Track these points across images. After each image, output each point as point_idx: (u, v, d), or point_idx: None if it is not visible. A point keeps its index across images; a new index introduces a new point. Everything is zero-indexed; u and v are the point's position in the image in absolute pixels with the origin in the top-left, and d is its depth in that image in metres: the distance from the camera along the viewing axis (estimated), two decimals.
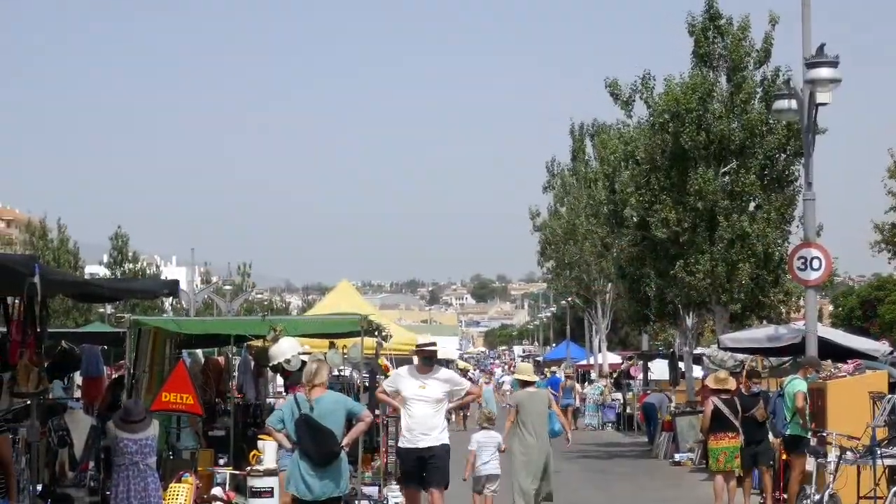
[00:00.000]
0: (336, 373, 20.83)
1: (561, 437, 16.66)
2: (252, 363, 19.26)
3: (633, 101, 29.19)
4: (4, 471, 10.32)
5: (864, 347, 22.05)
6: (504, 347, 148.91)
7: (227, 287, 76.91)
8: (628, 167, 29.94)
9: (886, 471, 14.70)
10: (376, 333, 18.31)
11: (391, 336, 21.04)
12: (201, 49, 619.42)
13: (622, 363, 48.46)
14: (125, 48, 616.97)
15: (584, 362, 59.51)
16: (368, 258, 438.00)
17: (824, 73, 19.04)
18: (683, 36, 28.54)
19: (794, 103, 20.53)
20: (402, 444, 13.18)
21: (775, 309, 30.23)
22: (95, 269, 67.74)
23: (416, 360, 17.96)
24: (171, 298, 54.31)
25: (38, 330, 11.85)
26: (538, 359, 77.71)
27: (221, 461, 16.62)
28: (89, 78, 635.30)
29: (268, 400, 20.33)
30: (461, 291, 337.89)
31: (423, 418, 12.94)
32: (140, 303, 48.91)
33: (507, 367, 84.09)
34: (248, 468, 15.60)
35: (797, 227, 26.89)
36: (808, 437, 16.36)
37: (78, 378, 23.51)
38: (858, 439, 14.53)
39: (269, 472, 14.87)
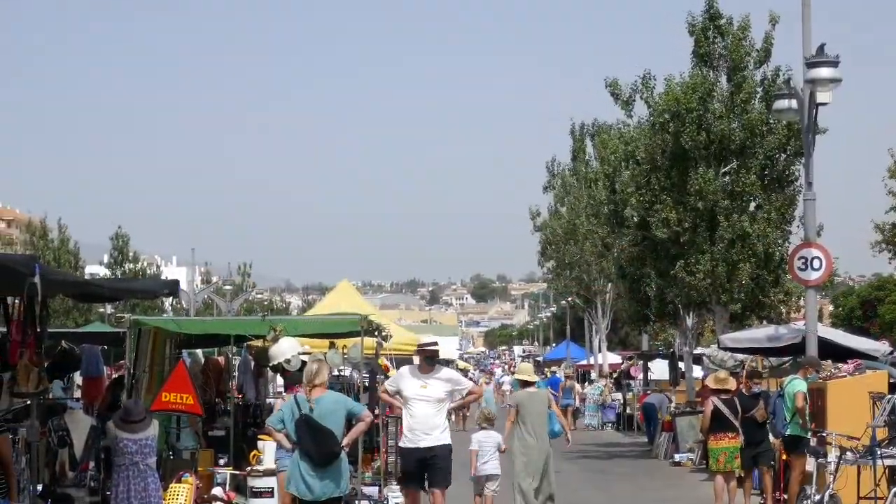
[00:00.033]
0: (336, 373, 20.83)
1: (561, 438, 16.66)
2: (252, 363, 19.26)
3: (634, 100, 29.22)
4: (5, 471, 10.33)
5: (864, 347, 22.05)
6: (504, 347, 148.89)
7: (228, 287, 76.94)
8: (629, 167, 29.94)
9: (886, 471, 14.69)
10: (376, 333, 18.32)
11: (391, 336, 21.05)
12: (201, 49, 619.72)
13: (622, 363, 48.46)
14: (125, 48, 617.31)
15: (584, 362, 59.52)
16: (369, 258, 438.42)
17: (824, 72, 19.05)
18: (684, 36, 28.59)
19: (794, 103, 20.53)
20: (404, 443, 13.17)
21: (775, 309, 30.24)
22: (96, 269, 67.79)
23: (416, 360, 18.00)
24: (171, 298, 54.33)
25: (39, 330, 11.85)
26: (538, 359, 77.71)
27: (221, 461, 16.63)
28: (89, 78, 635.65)
29: (268, 400, 20.34)
30: (461, 291, 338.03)
31: (424, 418, 12.93)
32: (140, 303, 48.94)
33: (507, 367, 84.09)
34: (249, 468, 15.61)
35: (797, 227, 26.92)
36: (808, 437, 16.36)
37: (78, 378, 23.52)
38: (858, 439, 14.52)
39: (269, 473, 14.88)
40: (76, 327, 38.09)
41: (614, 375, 47.89)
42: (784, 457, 17.44)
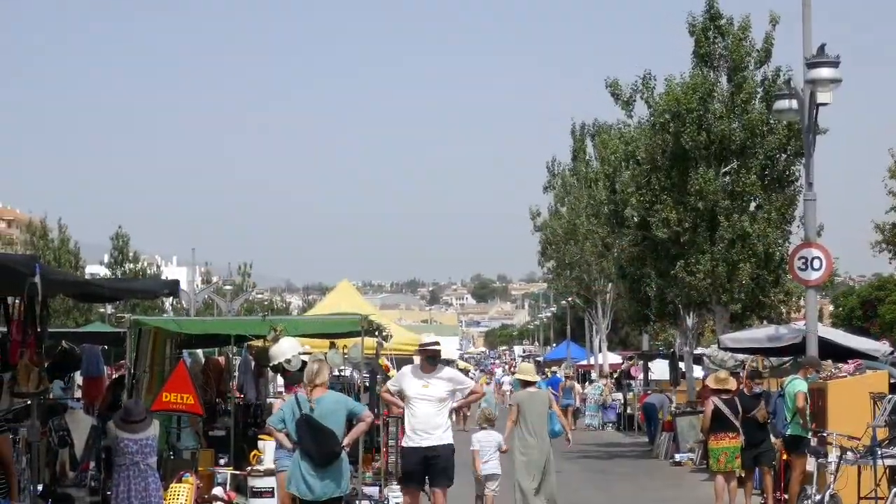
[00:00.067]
0: (336, 373, 20.83)
1: (561, 438, 16.67)
2: (252, 363, 19.26)
3: (634, 101, 29.23)
4: (5, 471, 10.33)
5: (864, 347, 22.05)
6: (504, 347, 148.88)
7: (228, 287, 76.97)
8: (629, 167, 29.94)
9: (887, 471, 14.71)
10: (377, 333, 18.32)
11: (391, 336, 21.05)
12: (201, 49, 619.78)
13: (622, 363, 48.46)
14: (125, 48, 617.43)
15: (584, 362, 59.52)
16: (369, 258, 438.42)
17: (825, 73, 19.05)
18: (684, 36, 28.60)
19: (794, 103, 20.53)
20: (406, 443, 13.18)
21: (776, 309, 30.24)
22: (96, 269, 67.80)
23: (416, 359, 18.00)
24: (171, 298, 54.33)
25: (39, 330, 11.84)
26: (538, 359, 77.70)
27: (222, 461, 16.63)
28: (89, 78, 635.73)
29: (268, 400, 20.34)
30: (461, 291, 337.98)
31: (426, 417, 12.93)
32: (140, 303, 48.97)
33: (507, 367, 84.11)
34: (249, 468, 15.61)
35: (798, 227, 26.92)
36: (809, 437, 16.37)
37: (78, 378, 23.52)
38: (859, 439, 14.53)
39: (270, 473, 14.88)
40: (76, 327, 38.09)
41: (615, 375, 47.89)
42: (785, 457, 17.44)
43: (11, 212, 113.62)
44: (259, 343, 17.80)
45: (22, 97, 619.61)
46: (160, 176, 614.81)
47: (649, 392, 35.25)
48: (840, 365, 17.96)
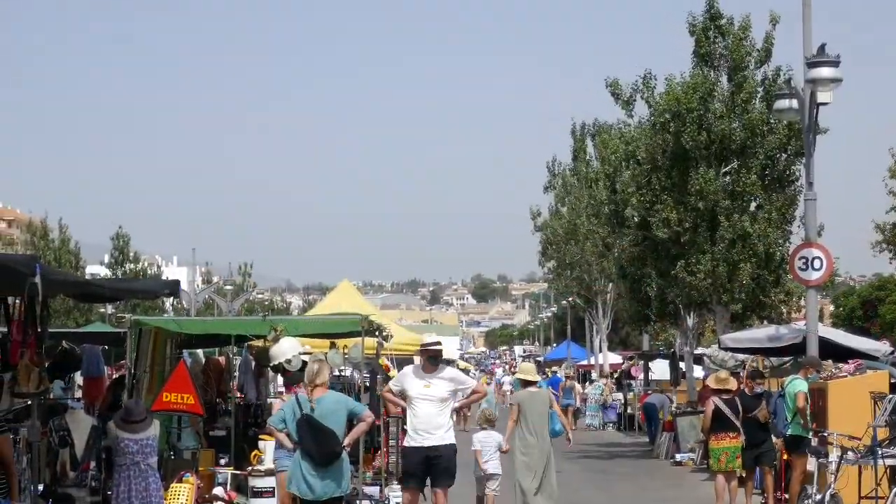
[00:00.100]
0: (337, 373, 20.83)
1: (562, 437, 16.67)
2: (253, 363, 19.27)
3: (634, 100, 29.24)
4: (6, 471, 10.33)
5: (864, 347, 22.05)
6: (505, 347, 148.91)
7: (228, 287, 76.99)
8: (629, 167, 29.94)
9: (888, 471, 14.71)
10: (377, 333, 18.31)
11: (392, 336, 21.05)
12: (201, 49, 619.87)
13: (623, 363, 48.46)
14: (125, 48, 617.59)
15: (584, 362, 59.54)
16: (369, 258, 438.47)
17: (825, 72, 19.04)
18: (684, 36, 28.60)
19: (794, 103, 20.53)
20: (408, 442, 13.19)
21: (776, 309, 30.24)
22: (96, 270, 67.80)
23: (416, 359, 17.99)
24: (171, 298, 54.36)
25: (39, 330, 11.83)
26: (539, 359, 77.72)
27: (222, 461, 16.63)
28: (89, 78, 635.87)
29: (268, 400, 20.35)
30: (462, 291, 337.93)
31: (427, 417, 12.93)
32: (141, 303, 48.98)
33: (507, 367, 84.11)
34: (250, 468, 15.61)
35: (798, 226, 26.93)
36: (809, 437, 16.36)
37: (79, 378, 23.53)
38: (859, 439, 14.53)
39: (270, 472, 14.88)
40: (77, 327, 38.11)
41: (615, 375, 47.89)
42: (785, 457, 17.44)
43: (12, 212, 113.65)
44: (259, 343, 17.81)
45: (22, 97, 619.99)
46: (160, 176, 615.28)
47: (650, 392, 35.25)
48: (840, 365, 17.96)
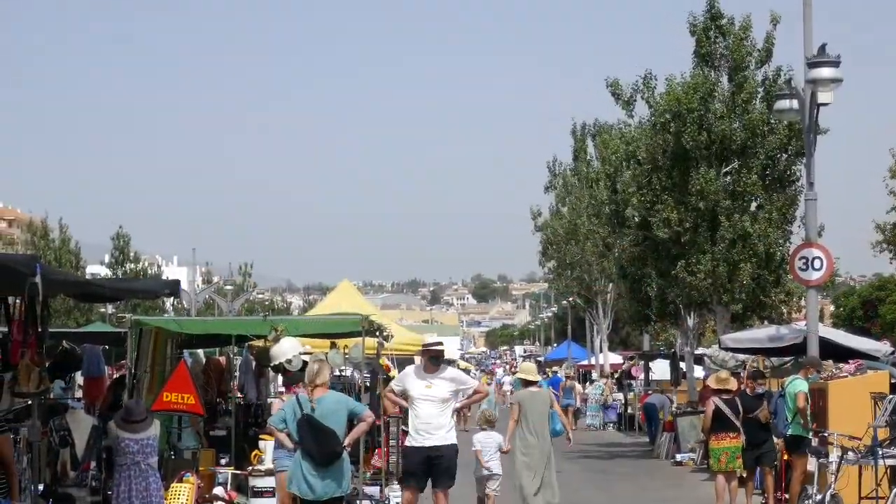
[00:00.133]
0: (337, 373, 20.83)
1: (562, 437, 16.67)
2: (253, 363, 19.27)
3: (635, 100, 29.24)
4: (6, 470, 10.33)
5: (865, 348, 22.05)
6: (505, 347, 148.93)
7: (229, 287, 77.01)
8: (630, 167, 29.94)
9: (888, 471, 14.72)
10: (377, 333, 18.31)
11: (392, 336, 21.05)
12: (201, 49, 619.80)
13: (623, 363, 48.47)
14: (125, 48, 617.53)
15: (585, 362, 59.54)
16: (369, 258, 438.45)
17: (826, 72, 19.03)
18: (685, 36, 28.60)
19: (795, 103, 20.52)
20: (409, 442, 13.21)
21: (776, 309, 30.23)
22: (97, 269, 67.79)
23: (417, 360, 17.98)
24: (172, 298, 54.32)
25: (40, 330, 11.84)
26: (539, 359, 77.76)
27: (223, 461, 16.64)
28: (89, 78, 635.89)
29: (269, 400, 20.36)
30: (462, 291, 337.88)
31: (428, 418, 12.93)
32: (141, 303, 48.99)
33: (508, 367, 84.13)
34: (250, 468, 15.61)
35: (798, 227, 26.94)
36: (810, 437, 16.36)
37: (79, 378, 23.53)
38: (860, 439, 14.53)
39: (271, 472, 14.88)
40: (77, 327, 38.10)
41: (615, 375, 47.89)
42: (785, 457, 17.44)
43: (12, 212, 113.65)
44: (260, 343, 17.81)
45: (22, 97, 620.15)
46: (161, 176, 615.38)
47: (650, 392, 35.23)
48: (841, 365, 17.96)
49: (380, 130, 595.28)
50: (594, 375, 52.04)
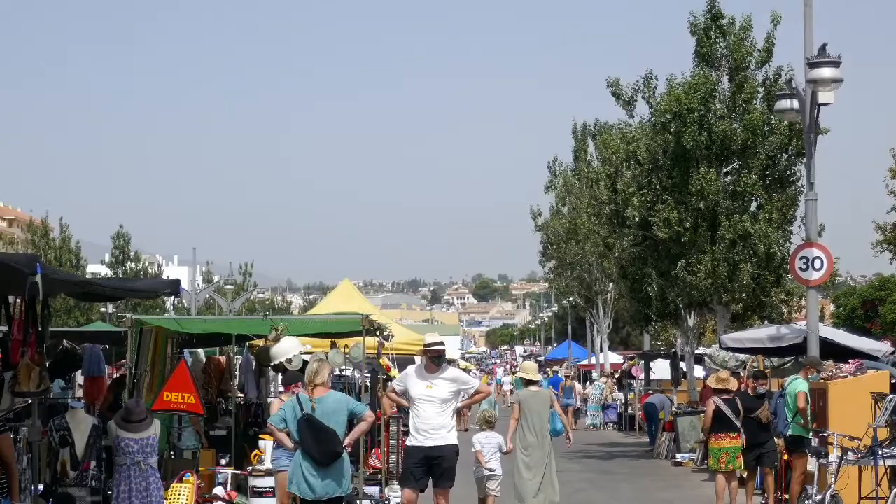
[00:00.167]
0: (338, 372, 20.82)
1: (563, 437, 16.66)
2: (254, 363, 19.27)
3: (635, 100, 29.25)
4: (7, 470, 10.32)
5: (865, 347, 22.04)
6: (506, 347, 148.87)
7: (229, 286, 76.84)
8: (630, 167, 29.92)
9: (888, 471, 14.71)
10: (378, 333, 18.31)
11: (393, 336, 21.04)
12: (202, 48, 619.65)
13: (623, 363, 48.47)
14: (126, 48, 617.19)
15: (585, 362, 59.53)
16: (370, 258, 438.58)
17: (826, 73, 19.01)
18: (685, 36, 28.60)
19: (795, 103, 20.50)
20: (410, 442, 13.19)
21: (777, 309, 30.26)
22: (97, 269, 67.72)
23: (418, 359, 17.98)
24: (172, 298, 54.28)
25: (40, 329, 11.83)
26: (539, 358, 77.73)
27: (223, 461, 16.63)
28: (89, 77, 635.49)
29: (269, 399, 20.37)
30: (463, 291, 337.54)
31: (429, 418, 12.92)
32: (142, 302, 48.93)
33: (508, 367, 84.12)
34: (250, 468, 15.60)
35: (799, 227, 26.93)
36: (810, 437, 16.36)
37: (79, 377, 23.53)
38: (860, 440, 14.53)
39: (271, 472, 14.87)
40: (78, 327, 38.09)
41: (616, 375, 47.89)
42: (785, 457, 17.44)
43: (12, 211, 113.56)
44: (260, 342, 17.80)
45: (22, 97, 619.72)
46: (161, 176, 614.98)
47: (650, 392, 35.21)
48: (841, 365, 17.94)
49: (380, 130, 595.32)
50: (595, 375, 52.02)
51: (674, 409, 29.70)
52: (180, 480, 14.34)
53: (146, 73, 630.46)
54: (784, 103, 21.10)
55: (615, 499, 20.50)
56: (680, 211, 27.55)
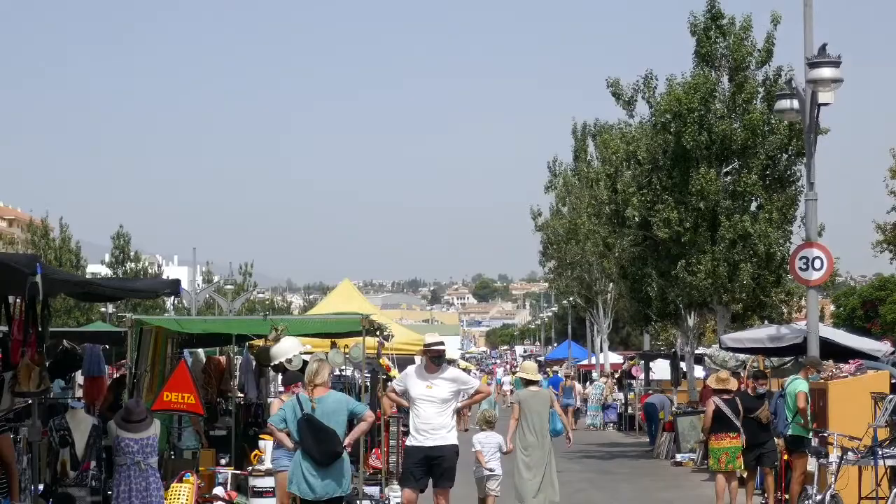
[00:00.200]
0: (338, 372, 20.82)
1: (562, 437, 16.66)
2: (254, 363, 19.26)
3: (635, 100, 29.25)
4: (7, 470, 10.31)
5: (865, 347, 22.04)
6: (506, 347, 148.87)
7: (229, 286, 76.85)
8: (630, 167, 29.92)
9: (888, 471, 14.71)
10: (378, 333, 18.31)
11: (393, 336, 21.04)
12: (202, 48, 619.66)
13: (624, 363, 48.47)
14: (126, 48, 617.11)
15: (585, 362, 59.53)
16: (370, 258, 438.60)
17: (826, 73, 19.01)
18: (685, 36, 28.60)
19: (795, 103, 20.50)
20: (410, 442, 13.20)
21: (777, 309, 30.26)
22: (97, 269, 67.71)
23: (418, 359, 17.97)
24: (172, 298, 54.28)
25: (40, 329, 11.83)
26: (539, 358, 77.73)
27: (223, 461, 16.63)
28: (89, 77, 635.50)
29: (269, 399, 20.37)
30: (463, 291, 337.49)
31: (429, 418, 12.92)
32: (142, 302, 48.93)
33: (508, 367, 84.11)
34: (250, 468, 15.60)
35: (799, 227, 26.93)
36: (810, 437, 16.36)
37: (79, 377, 23.53)
38: (860, 440, 14.53)
39: (271, 472, 14.87)
40: (78, 327, 38.09)
41: (616, 375, 47.89)
42: (785, 457, 17.44)
43: (12, 211, 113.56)
44: (260, 342, 17.80)
45: (22, 97, 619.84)
46: (161, 176, 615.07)
47: (650, 392, 35.21)
48: (841, 365, 17.94)
49: (380, 130, 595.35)
50: (594, 375, 52.02)
51: (674, 409, 29.70)
52: (180, 480, 14.34)
53: (146, 73, 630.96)
54: (784, 103, 21.10)
55: (615, 499, 20.50)
56: (680, 211, 27.55)
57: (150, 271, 63.12)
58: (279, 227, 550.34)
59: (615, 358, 54.04)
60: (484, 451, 15.71)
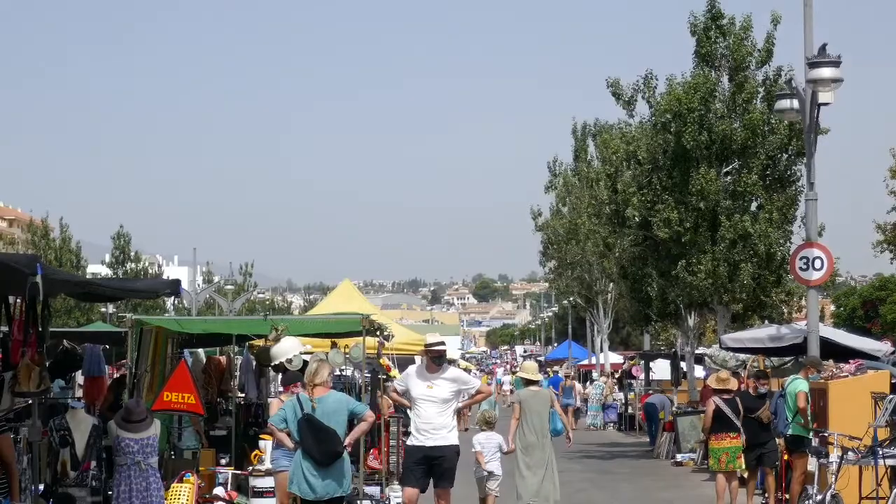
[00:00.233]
0: (338, 372, 20.81)
1: (563, 437, 16.66)
2: (254, 363, 19.26)
3: (635, 100, 29.24)
4: (7, 470, 10.31)
5: (865, 347, 22.05)
6: (506, 347, 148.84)
7: (229, 287, 76.84)
8: (630, 167, 29.92)
9: (888, 471, 14.70)
10: (378, 333, 18.31)
11: (393, 336, 21.04)
12: (202, 48, 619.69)
13: (624, 363, 48.48)
14: (126, 48, 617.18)
15: (585, 362, 59.52)
16: (370, 258, 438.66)
17: (826, 73, 19.01)
18: (685, 36, 28.60)
19: (795, 103, 20.50)
20: (411, 441, 13.20)
21: (777, 309, 30.25)
22: (97, 269, 67.71)
23: (418, 359, 17.97)
24: (172, 298, 54.26)
25: (40, 329, 11.83)
26: (539, 358, 77.72)
27: (223, 461, 16.63)
28: (89, 77, 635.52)
29: (269, 399, 20.36)
30: (463, 291, 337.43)
31: (429, 418, 12.92)
32: (142, 302, 48.93)
33: (508, 367, 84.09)
34: (250, 468, 15.60)
35: (799, 226, 26.93)
36: (810, 437, 16.36)
37: (79, 377, 23.53)
38: (860, 439, 14.52)
39: (271, 472, 14.87)
40: (78, 327, 38.09)
41: (616, 375, 47.90)
42: (786, 457, 17.44)
43: (12, 211, 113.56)
44: (260, 342, 17.80)
45: (22, 97, 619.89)
46: (161, 176, 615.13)
47: (650, 392, 35.21)
48: (841, 365, 17.95)
49: (380, 130, 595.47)
50: (595, 375, 52.01)
51: (674, 409, 29.70)
52: (180, 480, 14.34)
53: (146, 73, 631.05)
54: (784, 103, 21.10)
55: (615, 499, 20.50)
56: (680, 211, 27.55)
57: (150, 271, 63.13)
58: (279, 227, 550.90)
59: (615, 358, 54.03)
60: (484, 452, 15.70)
